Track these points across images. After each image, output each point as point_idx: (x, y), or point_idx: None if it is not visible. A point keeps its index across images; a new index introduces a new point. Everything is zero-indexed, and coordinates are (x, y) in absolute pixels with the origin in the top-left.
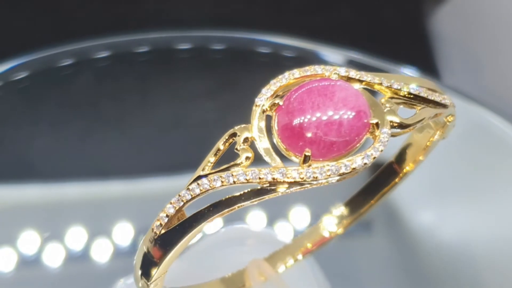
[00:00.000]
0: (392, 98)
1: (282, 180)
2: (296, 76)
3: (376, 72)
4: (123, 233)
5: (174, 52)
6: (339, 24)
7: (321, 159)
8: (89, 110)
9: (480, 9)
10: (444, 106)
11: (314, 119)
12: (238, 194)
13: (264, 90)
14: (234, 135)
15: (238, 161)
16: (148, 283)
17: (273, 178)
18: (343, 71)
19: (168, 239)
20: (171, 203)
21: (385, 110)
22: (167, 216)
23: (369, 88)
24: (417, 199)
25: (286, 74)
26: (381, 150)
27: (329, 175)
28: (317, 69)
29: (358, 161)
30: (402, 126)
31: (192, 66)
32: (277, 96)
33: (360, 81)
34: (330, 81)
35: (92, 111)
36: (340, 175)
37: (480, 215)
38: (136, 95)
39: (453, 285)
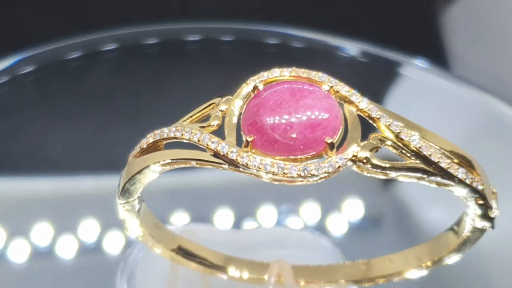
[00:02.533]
0: (384, 138)
1: (222, 154)
2: (299, 74)
3: (394, 113)
4: None
5: (183, 44)
6: (351, 18)
7: (267, 152)
8: (101, 102)
9: (491, 3)
10: (450, 177)
11: (269, 111)
12: (187, 151)
13: (262, 72)
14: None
15: (208, 124)
16: (117, 200)
17: (216, 149)
18: (344, 90)
19: (130, 168)
20: (146, 138)
21: (362, 143)
22: (140, 147)
23: (365, 118)
24: (427, 195)
25: (290, 68)
26: (324, 172)
27: (260, 168)
28: (322, 77)
29: (293, 170)
30: (371, 164)
31: (202, 58)
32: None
33: (358, 107)
34: (313, 87)
35: (104, 103)
36: (271, 173)
37: None
38: (148, 88)
39: (461, 281)
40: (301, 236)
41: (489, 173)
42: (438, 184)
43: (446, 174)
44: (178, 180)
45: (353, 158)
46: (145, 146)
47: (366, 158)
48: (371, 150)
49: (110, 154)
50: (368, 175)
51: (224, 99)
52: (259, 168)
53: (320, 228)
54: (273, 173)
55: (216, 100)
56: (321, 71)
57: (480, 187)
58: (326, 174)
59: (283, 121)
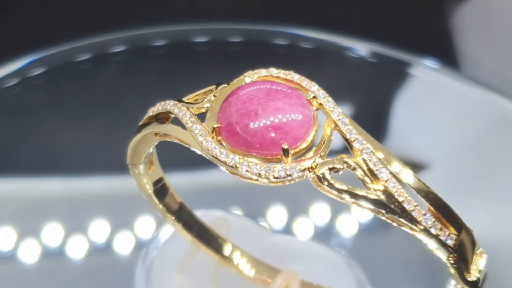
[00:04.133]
0: (352, 162)
1: (194, 134)
2: (293, 79)
3: (374, 140)
4: (145, 226)
5: (192, 45)
6: (360, 18)
7: (232, 144)
8: (111, 104)
9: (502, 4)
10: (413, 221)
11: (239, 103)
12: (175, 127)
13: (261, 69)
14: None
15: (200, 105)
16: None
17: (191, 129)
18: (329, 105)
19: (136, 130)
20: (155, 106)
21: (325, 159)
22: (148, 115)
23: (343, 137)
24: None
25: (288, 72)
26: (274, 176)
27: (217, 156)
28: (313, 87)
29: (243, 167)
30: (327, 183)
31: (210, 59)
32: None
33: (336, 125)
34: (292, 91)
35: (113, 105)
36: (225, 163)
37: (502, 212)
38: (157, 89)
39: None
40: (331, 257)
41: (500, 174)
42: (401, 225)
43: (408, 217)
44: (189, 180)
45: (310, 171)
46: (151, 114)
47: (323, 175)
48: (330, 169)
49: (120, 154)
50: (324, 193)
51: (220, 87)
52: (216, 156)
53: (330, 229)
54: (226, 163)
55: (214, 86)
56: (330, 71)
57: (449, 242)
58: (275, 180)
59: (247, 116)
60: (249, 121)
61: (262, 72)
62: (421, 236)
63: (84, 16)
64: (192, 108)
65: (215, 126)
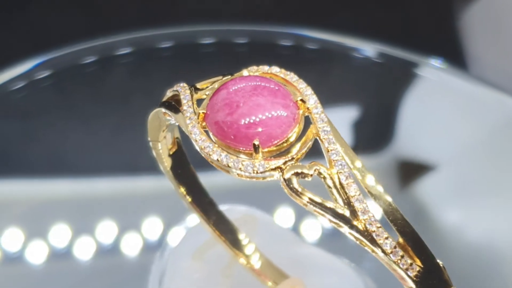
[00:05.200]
0: (324, 171)
1: (185, 117)
2: (291, 80)
3: (353, 153)
4: (153, 227)
5: (198, 47)
6: (366, 19)
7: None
8: (118, 106)
9: (510, 3)
10: (373, 242)
11: (226, 94)
12: (177, 108)
13: (264, 66)
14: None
15: (203, 92)
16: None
17: (184, 112)
18: (316, 111)
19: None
20: (176, 86)
21: (297, 162)
22: (166, 95)
23: (322, 146)
24: (445, 197)
25: (289, 72)
26: (240, 169)
27: (197, 141)
28: (306, 91)
29: (216, 154)
30: (290, 187)
31: (217, 60)
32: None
33: (317, 132)
34: (280, 88)
35: (121, 106)
36: (200, 148)
37: (509, 214)
38: (164, 90)
39: (479, 285)
40: (349, 275)
41: (509, 174)
42: (362, 244)
43: (369, 237)
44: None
45: (279, 172)
46: (168, 94)
47: (289, 179)
48: (298, 174)
49: (128, 155)
50: (289, 196)
51: (225, 78)
52: (196, 140)
53: (336, 231)
54: (202, 149)
55: (221, 77)
56: (337, 72)
57: (410, 273)
58: (242, 173)
59: (229, 106)
60: (229, 112)
61: (265, 69)
62: (384, 261)
63: (90, 18)
64: (197, 93)
65: (200, 111)
